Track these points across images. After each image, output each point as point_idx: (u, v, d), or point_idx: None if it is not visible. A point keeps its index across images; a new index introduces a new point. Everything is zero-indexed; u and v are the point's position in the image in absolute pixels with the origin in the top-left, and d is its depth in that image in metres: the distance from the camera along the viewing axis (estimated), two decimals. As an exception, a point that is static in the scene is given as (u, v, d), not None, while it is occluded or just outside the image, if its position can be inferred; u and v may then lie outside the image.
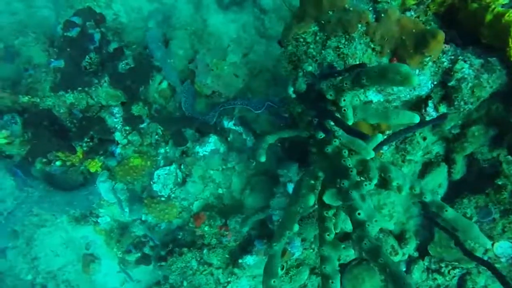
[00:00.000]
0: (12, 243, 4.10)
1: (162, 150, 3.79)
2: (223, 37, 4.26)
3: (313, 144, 2.77)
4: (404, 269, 3.46)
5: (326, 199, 2.25)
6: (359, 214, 1.94)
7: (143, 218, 3.98)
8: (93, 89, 3.55)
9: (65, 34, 3.51)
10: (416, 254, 3.50)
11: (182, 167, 3.72)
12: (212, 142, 3.61)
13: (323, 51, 2.51)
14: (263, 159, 2.60)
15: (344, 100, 1.89)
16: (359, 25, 2.38)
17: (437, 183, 3.23)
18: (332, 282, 1.97)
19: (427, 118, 2.77)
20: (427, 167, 3.24)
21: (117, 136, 3.65)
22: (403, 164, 3.13)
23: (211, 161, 3.68)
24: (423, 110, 2.71)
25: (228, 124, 3.77)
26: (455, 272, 3.43)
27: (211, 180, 3.83)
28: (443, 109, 2.67)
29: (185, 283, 3.76)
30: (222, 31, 4.29)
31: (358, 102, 2.37)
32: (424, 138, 3.08)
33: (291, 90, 2.53)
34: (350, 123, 1.96)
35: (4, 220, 4.00)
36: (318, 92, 2.50)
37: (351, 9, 2.38)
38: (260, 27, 4.25)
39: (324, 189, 2.28)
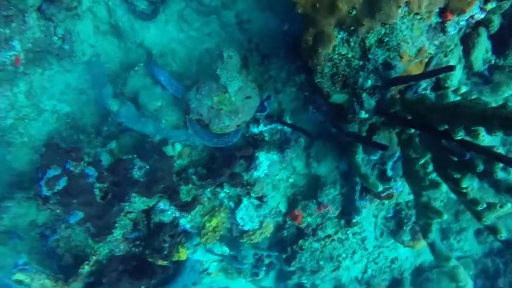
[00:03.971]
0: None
1: (222, 194, 3.57)
2: (174, 47, 3.52)
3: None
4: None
5: (465, 183, 2.22)
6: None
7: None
8: (127, 207, 3.16)
9: (55, 190, 2.93)
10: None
11: (251, 194, 3.56)
12: (264, 160, 3.37)
13: (369, 55, 2.11)
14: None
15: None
16: (399, 10, 1.94)
17: (484, 50, 3.10)
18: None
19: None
20: (468, 42, 3.06)
21: (183, 222, 3.40)
22: (448, 58, 2.95)
23: (272, 171, 3.50)
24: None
25: (258, 128, 3.44)
26: None
27: (280, 180, 3.72)
28: (492, 5, 2.36)
29: (321, 262, 4.05)
30: (168, 41, 3.52)
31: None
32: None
33: (362, 114, 2.22)
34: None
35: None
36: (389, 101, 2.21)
37: (379, -3, 1.89)
38: (199, 7, 3.45)
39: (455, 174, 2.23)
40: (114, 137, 3.42)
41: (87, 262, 3.14)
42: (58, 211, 3.21)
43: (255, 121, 3.43)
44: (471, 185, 2.29)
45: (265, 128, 3.47)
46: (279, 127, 3.52)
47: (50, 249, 3.30)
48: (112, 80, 3.53)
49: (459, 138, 1.75)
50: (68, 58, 3.34)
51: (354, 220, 3.78)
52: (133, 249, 3.32)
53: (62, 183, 2.91)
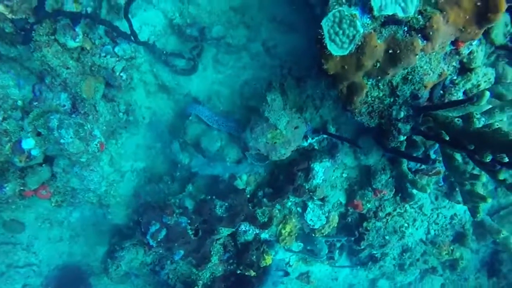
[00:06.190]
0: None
1: (289, 203, 4.09)
2: (217, 88, 3.95)
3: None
4: None
5: (502, 176, 2.56)
6: None
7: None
8: (216, 237, 3.76)
9: (158, 239, 3.57)
10: None
11: (314, 198, 4.04)
12: (320, 169, 3.81)
13: (397, 92, 2.46)
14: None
15: None
16: (417, 57, 2.25)
17: (503, 25, 3.24)
18: None
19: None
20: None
21: (263, 235, 3.98)
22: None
23: (328, 175, 3.94)
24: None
25: (307, 141, 3.85)
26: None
27: (335, 178, 4.17)
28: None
29: (387, 237, 4.53)
30: (210, 84, 3.95)
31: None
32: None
33: (402, 138, 2.59)
34: None
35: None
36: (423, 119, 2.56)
37: (397, 51, 2.22)
38: (228, 48, 3.82)
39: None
40: (187, 179, 4.00)
41: (196, 286, 3.82)
42: (161, 251, 3.89)
43: (303, 137, 3.84)
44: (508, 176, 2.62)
45: (313, 140, 3.88)
46: (325, 136, 3.92)
47: (163, 281, 4.01)
48: (171, 129, 4.07)
49: (488, 161, 2.10)
50: (133, 124, 3.89)
51: (408, 199, 4.17)
52: (228, 267, 3.96)
53: (163, 233, 3.53)
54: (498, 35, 3.35)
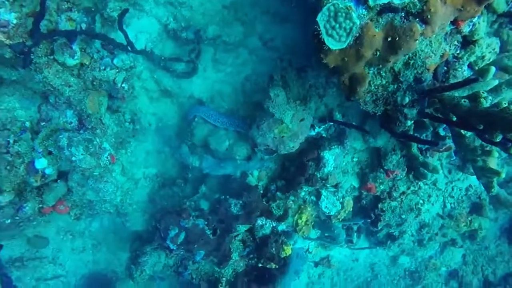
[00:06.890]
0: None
1: (303, 193, 4.11)
2: (219, 87, 3.94)
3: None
4: None
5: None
6: None
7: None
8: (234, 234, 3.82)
9: (178, 243, 3.63)
10: None
11: (327, 185, 4.06)
12: (330, 157, 3.81)
13: (400, 78, 2.43)
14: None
15: None
16: (417, 42, 2.22)
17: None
18: None
19: None
20: None
21: (280, 227, 4.02)
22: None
23: (339, 162, 3.94)
24: None
25: (315, 130, 3.85)
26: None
27: (346, 163, 4.17)
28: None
29: (403, 216, 4.54)
30: (211, 84, 3.94)
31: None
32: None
33: (409, 122, 2.57)
34: None
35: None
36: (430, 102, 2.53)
37: (397, 38, 2.18)
38: (226, 47, 3.79)
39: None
40: (200, 181, 4.04)
41: (220, 284, 3.90)
42: (182, 253, 3.96)
43: (310, 126, 3.83)
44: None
45: (320, 128, 3.87)
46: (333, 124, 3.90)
47: (187, 282, 4.10)
48: (179, 133, 4.09)
49: (498, 140, 2.08)
50: (140, 132, 3.92)
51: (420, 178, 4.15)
52: (249, 262, 4.02)
53: (182, 236, 3.59)
54: (500, 3, 3.26)
